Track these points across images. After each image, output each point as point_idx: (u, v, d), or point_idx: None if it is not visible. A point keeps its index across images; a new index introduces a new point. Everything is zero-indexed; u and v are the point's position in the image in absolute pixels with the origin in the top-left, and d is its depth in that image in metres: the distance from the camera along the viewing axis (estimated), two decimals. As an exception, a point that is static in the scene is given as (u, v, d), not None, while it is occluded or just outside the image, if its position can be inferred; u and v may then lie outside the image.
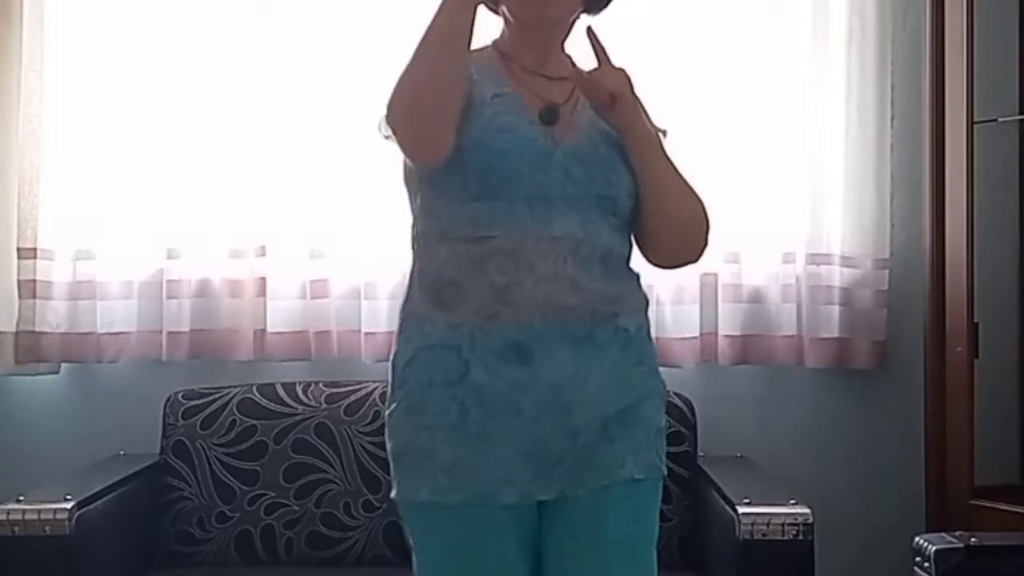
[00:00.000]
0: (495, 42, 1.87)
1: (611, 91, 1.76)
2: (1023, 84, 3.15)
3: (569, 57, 1.87)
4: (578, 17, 1.84)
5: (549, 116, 1.78)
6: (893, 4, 3.16)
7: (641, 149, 1.79)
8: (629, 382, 1.79)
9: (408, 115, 1.69)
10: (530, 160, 1.74)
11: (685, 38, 3.11)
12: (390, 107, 1.70)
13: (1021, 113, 3.11)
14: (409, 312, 1.80)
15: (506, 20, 1.84)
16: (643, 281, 1.88)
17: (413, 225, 1.83)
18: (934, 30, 2.98)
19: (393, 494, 1.80)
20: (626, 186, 1.79)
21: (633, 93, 1.79)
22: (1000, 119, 3.03)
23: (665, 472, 1.84)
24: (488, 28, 1.84)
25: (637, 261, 1.87)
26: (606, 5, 1.88)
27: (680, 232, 1.84)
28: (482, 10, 1.75)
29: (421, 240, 1.81)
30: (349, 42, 3.12)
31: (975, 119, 2.88)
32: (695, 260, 1.90)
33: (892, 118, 3.17)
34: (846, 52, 3.13)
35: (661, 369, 1.89)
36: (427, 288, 1.77)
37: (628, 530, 1.78)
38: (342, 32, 3.13)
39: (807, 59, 3.13)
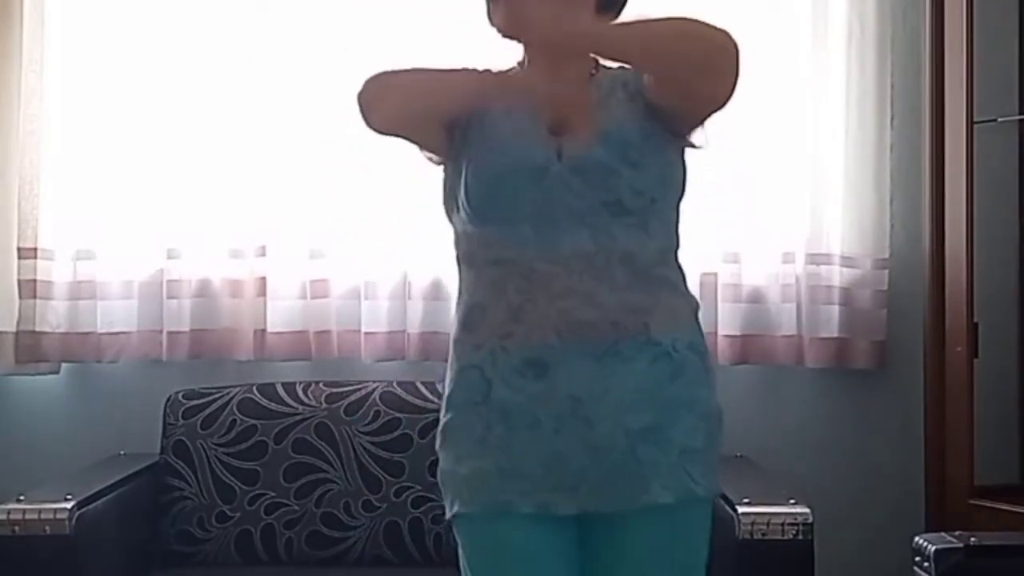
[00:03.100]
0: (520, 62, 1.86)
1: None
2: (1023, 84, 3.15)
3: (595, 59, 1.85)
4: None
5: (559, 127, 1.76)
6: (893, 4, 3.16)
7: (598, 49, 1.74)
8: (658, 398, 1.73)
9: (383, 105, 1.75)
10: (527, 180, 1.73)
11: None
12: (369, 87, 1.75)
13: (1021, 113, 3.11)
14: (452, 338, 1.83)
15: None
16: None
17: (454, 248, 1.85)
18: (934, 30, 2.98)
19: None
20: (629, 185, 1.73)
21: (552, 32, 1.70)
22: (1000, 119, 3.03)
23: (704, 494, 1.76)
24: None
25: (683, 258, 1.83)
26: (616, 17, 1.86)
27: (670, 60, 1.68)
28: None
29: (458, 264, 1.83)
30: (349, 42, 3.12)
31: (975, 119, 2.88)
32: (708, 69, 1.70)
33: (892, 118, 3.17)
34: (846, 52, 3.12)
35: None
36: (460, 312, 1.81)
37: (661, 559, 1.75)
38: (342, 32, 3.13)
39: (807, 59, 3.13)
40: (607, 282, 1.72)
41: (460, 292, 1.82)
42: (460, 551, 1.80)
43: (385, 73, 1.77)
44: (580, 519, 1.75)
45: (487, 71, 1.83)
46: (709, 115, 1.78)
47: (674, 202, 1.81)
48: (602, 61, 1.85)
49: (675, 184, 1.80)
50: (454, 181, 1.79)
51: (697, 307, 1.84)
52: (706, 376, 1.80)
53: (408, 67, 1.78)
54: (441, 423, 1.82)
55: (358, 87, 1.76)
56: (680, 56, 1.68)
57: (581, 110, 1.77)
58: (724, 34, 1.70)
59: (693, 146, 1.82)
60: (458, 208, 1.79)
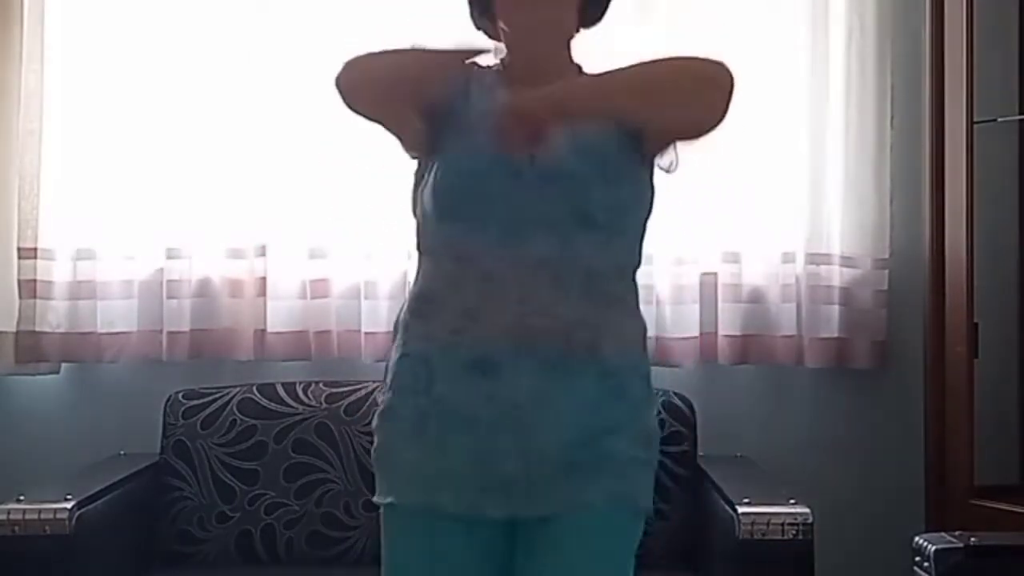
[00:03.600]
0: (502, 59, 1.85)
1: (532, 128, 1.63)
2: (1023, 84, 3.15)
3: (578, 67, 1.84)
4: (577, 30, 1.83)
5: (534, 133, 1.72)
6: (893, 4, 3.16)
7: (595, 111, 1.70)
8: (600, 414, 1.72)
9: (362, 90, 1.77)
10: (499, 182, 1.71)
11: (684, 38, 3.11)
12: (349, 70, 1.76)
13: (1021, 113, 3.12)
14: (398, 321, 1.82)
15: (504, 35, 1.82)
16: (644, 280, 1.85)
17: (416, 238, 1.84)
18: (934, 30, 2.98)
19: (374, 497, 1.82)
20: (603, 200, 1.72)
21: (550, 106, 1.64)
22: (1000, 119, 3.03)
23: (634, 507, 1.75)
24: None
25: (639, 276, 1.81)
26: (601, 16, 1.86)
27: (668, 105, 1.69)
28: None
29: (418, 252, 1.82)
30: (349, 42, 3.10)
31: (975, 119, 2.88)
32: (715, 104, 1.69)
33: (892, 118, 3.17)
34: (846, 52, 3.13)
35: (662, 369, 1.84)
36: (412, 299, 1.80)
37: (589, 564, 1.72)
38: (342, 32, 3.12)
39: (807, 59, 3.13)
40: (563, 292, 1.70)
41: (416, 277, 1.81)
42: (383, 539, 1.79)
43: (363, 56, 1.77)
44: (510, 523, 1.74)
45: (469, 54, 1.82)
46: (688, 140, 1.76)
47: (642, 219, 1.80)
48: (585, 68, 1.84)
49: (645, 202, 1.79)
50: (423, 176, 1.78)
51: (645, 330, 1.82)
52: (648, 400, 1.80)
53: (387, 49, 1.77)
54: (381, 404, 1.80)
55: (336, 70, 1.76)
56: (678, 98, 1.69)
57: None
58: (719, 67, 1.70)
59: (661, 168, 1.81)
60: (424, 203, 1.77)
